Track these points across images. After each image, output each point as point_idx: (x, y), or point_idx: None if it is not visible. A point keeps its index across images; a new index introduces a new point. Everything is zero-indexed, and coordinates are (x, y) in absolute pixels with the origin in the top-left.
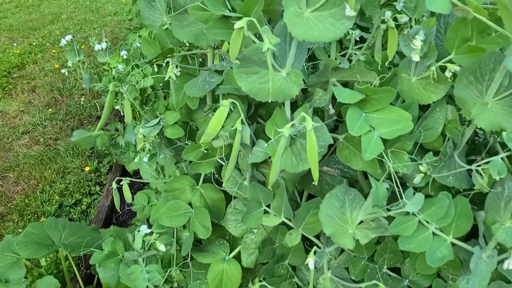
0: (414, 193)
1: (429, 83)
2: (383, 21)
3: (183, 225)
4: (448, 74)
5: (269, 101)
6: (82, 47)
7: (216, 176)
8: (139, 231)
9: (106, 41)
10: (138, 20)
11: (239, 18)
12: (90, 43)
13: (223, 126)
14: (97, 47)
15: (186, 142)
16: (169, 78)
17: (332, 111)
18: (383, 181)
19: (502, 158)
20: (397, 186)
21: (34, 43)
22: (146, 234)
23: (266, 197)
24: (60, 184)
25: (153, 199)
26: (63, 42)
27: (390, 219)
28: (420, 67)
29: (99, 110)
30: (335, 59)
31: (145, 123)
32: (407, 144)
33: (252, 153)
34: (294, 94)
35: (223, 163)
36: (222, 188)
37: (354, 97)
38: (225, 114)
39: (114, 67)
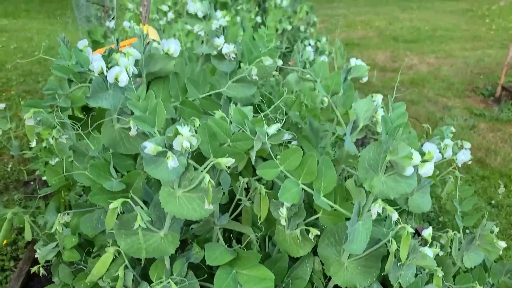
0: None
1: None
2: None
3: None
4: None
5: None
6: (22, 102)
7: None
8: None
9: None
10: None
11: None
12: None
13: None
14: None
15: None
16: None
17: None
18: None
19: None
20: None
21: None
22: None
23: None
24: None
25: None
26: None
27: None
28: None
29: (26, 176)
30: None
31: (44, 245)
32: None
33: None
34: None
35: None
36: None
37: (225, 257)
38: (109, 260)
39: (46, 139)
